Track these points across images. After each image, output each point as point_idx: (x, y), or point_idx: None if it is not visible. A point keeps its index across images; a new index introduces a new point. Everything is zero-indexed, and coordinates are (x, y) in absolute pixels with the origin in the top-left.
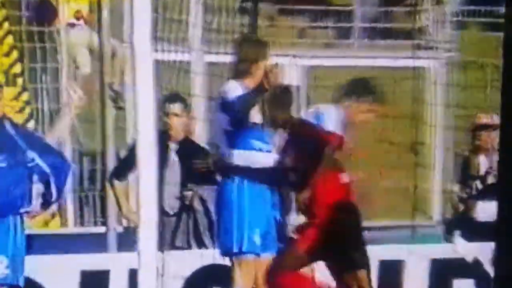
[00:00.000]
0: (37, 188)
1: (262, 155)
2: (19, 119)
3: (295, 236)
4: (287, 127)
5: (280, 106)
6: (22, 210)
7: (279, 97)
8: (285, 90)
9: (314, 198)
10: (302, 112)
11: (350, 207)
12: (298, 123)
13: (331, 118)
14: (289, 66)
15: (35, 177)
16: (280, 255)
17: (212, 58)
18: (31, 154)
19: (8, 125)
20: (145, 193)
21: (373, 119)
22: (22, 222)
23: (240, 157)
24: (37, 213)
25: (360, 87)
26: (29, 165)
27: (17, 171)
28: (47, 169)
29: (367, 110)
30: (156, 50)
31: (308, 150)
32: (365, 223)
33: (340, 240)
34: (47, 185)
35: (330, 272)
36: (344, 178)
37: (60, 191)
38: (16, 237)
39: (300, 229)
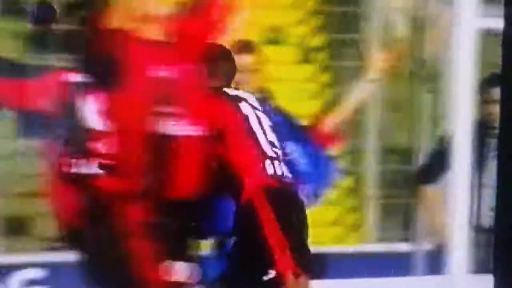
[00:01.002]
0: None
1: None
2: (312, 107)
3: None
4: None
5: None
6: None
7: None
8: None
9: None
10: None
11: None
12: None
13: None
14: None
15: None
16: None
17: None
18: (290, 146)
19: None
20: (458, 202)
21: None
22: None
23: None
24: None
25: None
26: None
27: None
28: (304, 167)
29: None
30: (482, 16)
31: None
32: None
33: None
34: None
35: None
36: None
37: (316, 196)
38: None
39: None
